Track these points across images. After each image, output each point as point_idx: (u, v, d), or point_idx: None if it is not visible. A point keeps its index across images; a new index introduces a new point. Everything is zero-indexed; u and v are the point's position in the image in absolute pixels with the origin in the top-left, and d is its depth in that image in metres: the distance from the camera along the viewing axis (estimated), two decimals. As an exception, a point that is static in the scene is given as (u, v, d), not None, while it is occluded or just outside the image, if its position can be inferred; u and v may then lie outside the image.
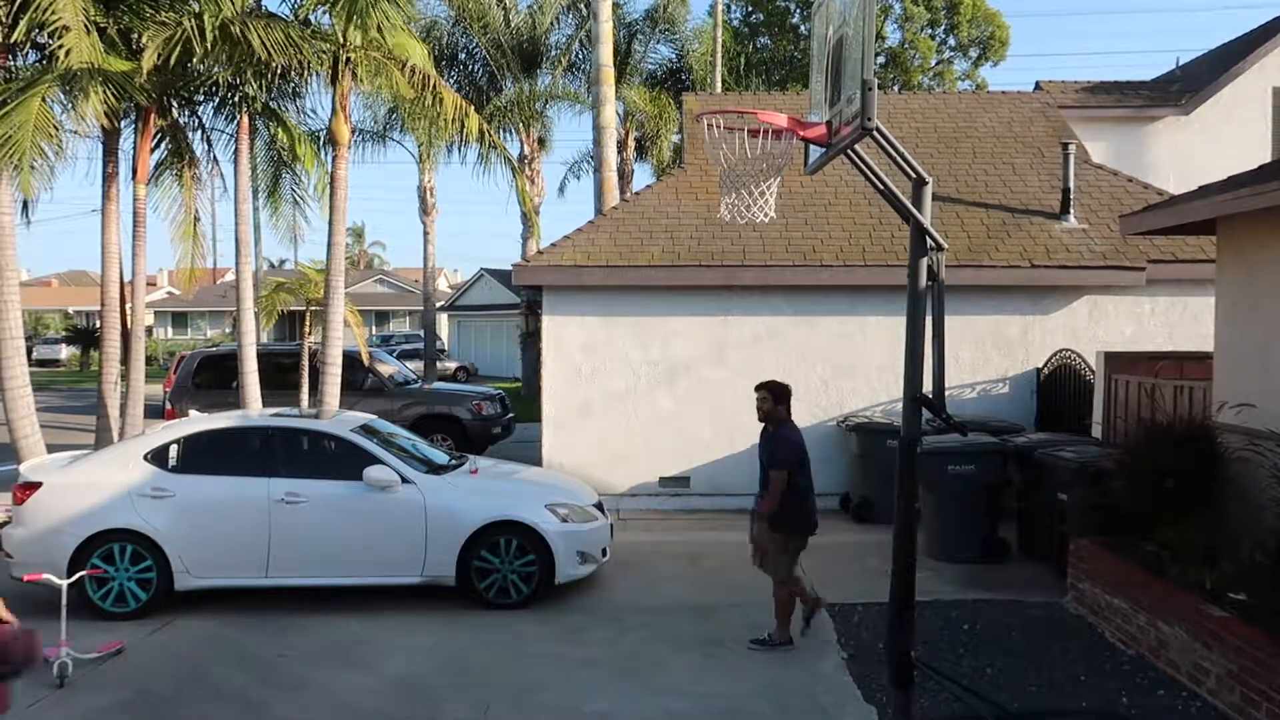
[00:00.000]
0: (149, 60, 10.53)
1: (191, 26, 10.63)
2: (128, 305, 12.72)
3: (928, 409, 4.70)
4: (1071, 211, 11.75)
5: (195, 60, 11.18)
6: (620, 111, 23.17)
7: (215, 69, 12.22)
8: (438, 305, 33.14)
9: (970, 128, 13.78)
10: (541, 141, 26.69)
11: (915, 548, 4.89)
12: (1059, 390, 10.76)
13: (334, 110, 12.02)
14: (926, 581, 7.56)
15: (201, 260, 14.23)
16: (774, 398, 6.75)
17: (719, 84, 24.28)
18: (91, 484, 7.59)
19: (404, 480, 7.67)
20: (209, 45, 10.68)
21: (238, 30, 10.73)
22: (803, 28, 29.50)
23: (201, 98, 13.46)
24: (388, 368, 16.48)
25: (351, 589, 7.78)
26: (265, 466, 7.74)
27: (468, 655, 6.62)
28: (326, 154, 13.28)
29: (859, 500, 10.58)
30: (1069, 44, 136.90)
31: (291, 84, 13.12)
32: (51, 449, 10.42)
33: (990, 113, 14.22)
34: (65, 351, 47.43)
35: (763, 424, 6.81)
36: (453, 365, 36.23)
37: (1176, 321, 11.19)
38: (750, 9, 31.65)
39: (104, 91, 10.50)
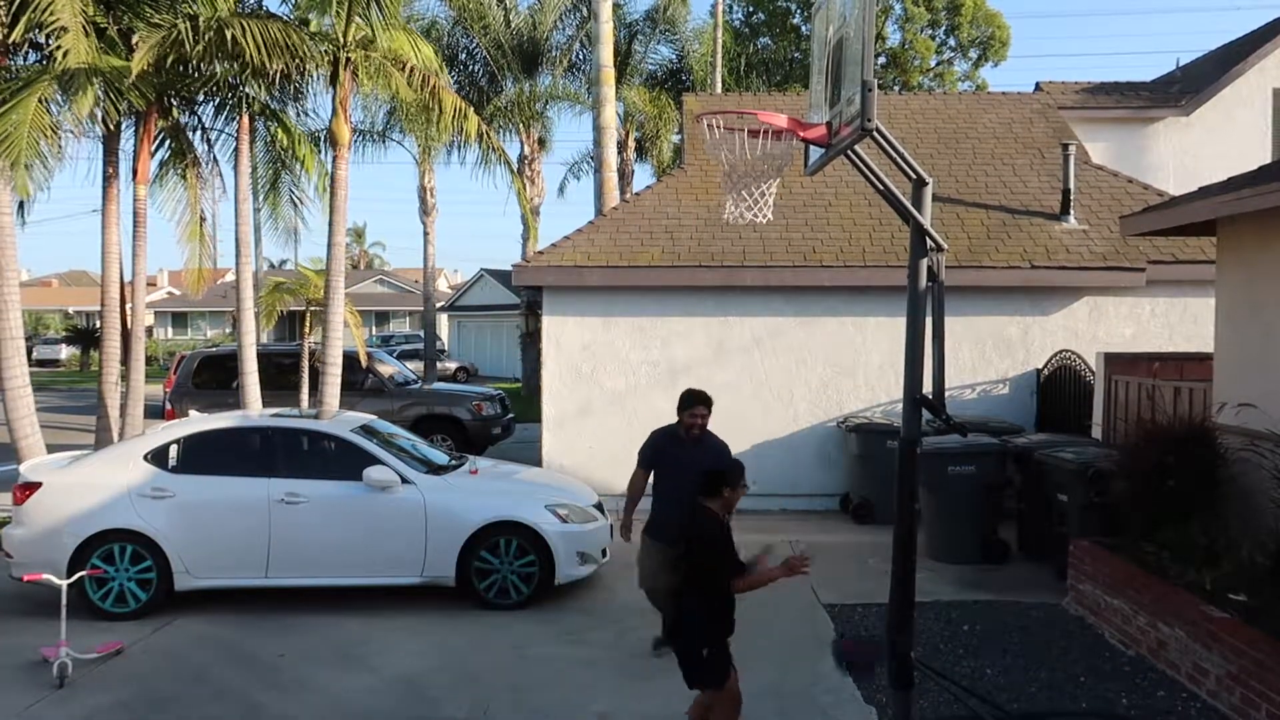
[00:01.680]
0: (142, 61, 10.46)
1: (185, 28, 10.60)
2: (128, 305, 12.71)
3: (928, 410, 4.69)
4: (1071, 212, 11.75)
5: (194, 61, 11.16)
6: (620, 112, 23.16)
7: (216, 69, 12.22)
8: (438, 305, 33.15)
9: (970, 128, 13.78)
10: (542, 142, 26.70)
11: (915, 548, 4.89)
12: (1059, 391, 10.76)
13: (334, 111, 12.01)
14: (926, 582, 7.56)
15: (208, 261, 14.25)
16: (709, 410, 6.35)
17: (719, 84, 24.28)
18: (91, 484, 7.59)
19: (404, 480, 7.67)
20: (205, 46, 10.65)
21: (236, 31, 10.71)
22: (804, 28, 29.48)
23: (202, 98, 13.46)
24: (388, 368, 16.48)
25: (351, 589, 7.78)
26: (265, 467, 7.75)
27: (468, 655, 6.62)
28: (326, 154, 13.29)
29: (859, 501, 10.58)
30: (1069, 44, 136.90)
31: (292, 85, 13.12)
32: (51, 449, 10.42)
33: (990, 113, 14.23)
34: (65, 351, 47.43)
35: (693, 434, 6.27)
36: (453, 366, 36.25)
37: (1176, 322, 11.19)
38: (751, 9, 31.64)
39: (102, 92, 10.49)
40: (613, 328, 11.45)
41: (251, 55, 10.70)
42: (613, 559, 8.43)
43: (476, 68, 25.83)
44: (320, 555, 7.59)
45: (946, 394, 4.84)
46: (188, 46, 10.55)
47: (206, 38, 10.60)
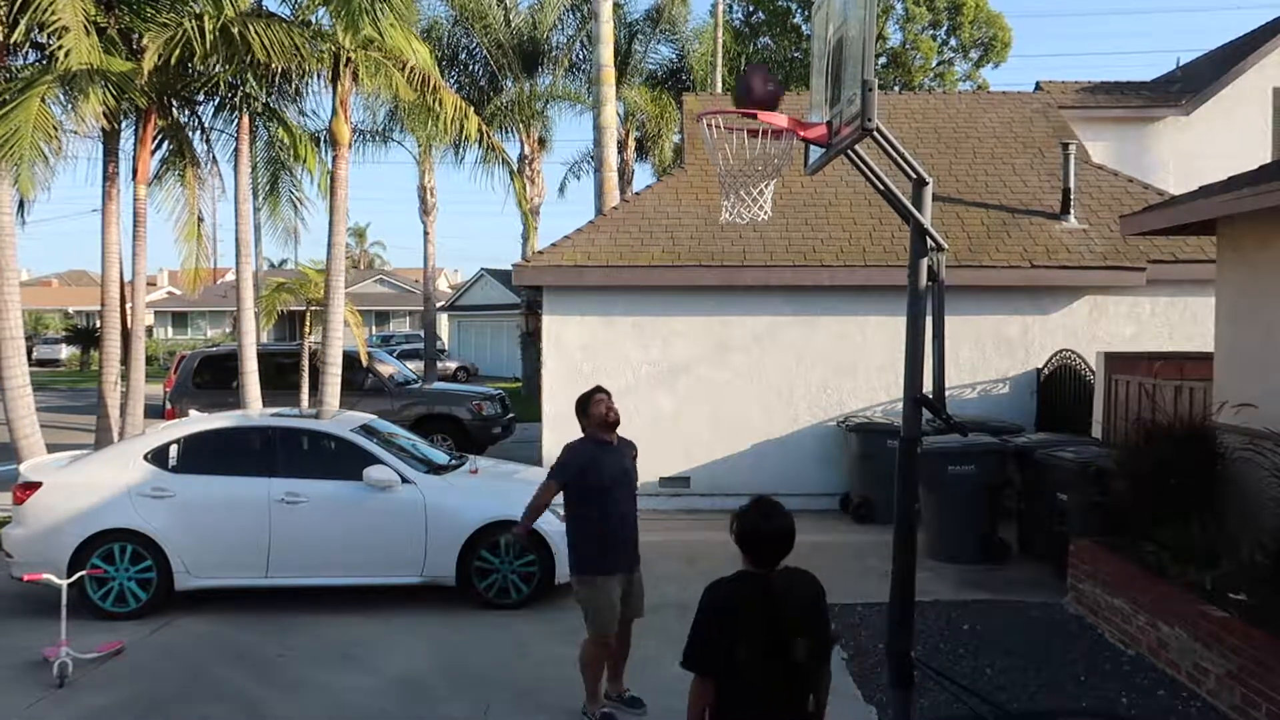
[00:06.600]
0: (149, 62, 10.51)
1: (192, 28, 10.61)
2: (128, 305, 12.71)
3: (928, 409, 4.69)
4: (1072, 211, 11.75)
5: (196, 61, 11.16)
6: (621, 111, 23.15)
7: (216, 69, 12.21)
8: (438, 305, 33.13)
9: (971, 128, 13.78)
10: (542, 141, 26.69)
11: (915, 548, 4.88)
12: (1059, 390, 10.76)
13: (334, 110, 12.01)
14: (926, 582, 7.56)
15: (205, 261, 14.24)
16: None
17: (720, 84, 24.25)
18: (91, 484, 7.59)
19: (404, 480, 7.66)
20: (209, 47, 10.66)
21: (238, 32, 10.72)
22: (804, 28, 29.44)
23: (202, 98, 13.46)
24: (388, 368, 16.48)
25: (351, 589, 7.78)
26: (265, 466, 7.74)
27: (468, 655, 6.62)
28: (326, 154, 13.28)
29: (859, 500, 10.58)
30: (1069, 44, 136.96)
31: (292, 84, 13.12)
32: (51, 449, 10.41)
33: (991, 113, 14.22)
34: (65, 351, 47.44)
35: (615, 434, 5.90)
36: (453, 365, 36.24)
37: (1177, 321, 11.19)
38: (751, 9, 31.60)
39: (103, 92, 10.48)
40: (613, 327, 11.45)
41: (259, 56, 10.70)
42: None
43: (476, 67, 25.81)
44: (320, 555, 7.58)
45: (946, 393, 4.83)
46: (196, 47, 10.56)
47: (213, 38, 10.61)
